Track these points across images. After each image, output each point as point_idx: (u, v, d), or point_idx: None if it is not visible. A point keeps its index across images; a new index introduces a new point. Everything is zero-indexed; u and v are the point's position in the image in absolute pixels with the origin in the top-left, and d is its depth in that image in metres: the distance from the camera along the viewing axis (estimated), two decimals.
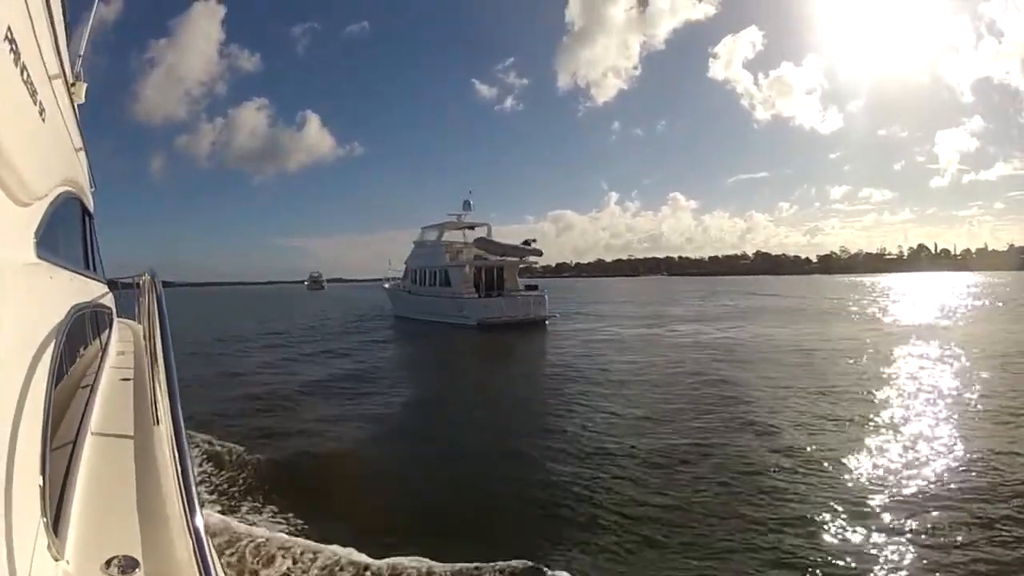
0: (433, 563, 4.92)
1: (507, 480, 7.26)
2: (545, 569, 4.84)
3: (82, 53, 3.80)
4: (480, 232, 33.34)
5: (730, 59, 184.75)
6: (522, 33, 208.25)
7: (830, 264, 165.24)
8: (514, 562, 4.87)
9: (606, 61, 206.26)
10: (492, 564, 4.86)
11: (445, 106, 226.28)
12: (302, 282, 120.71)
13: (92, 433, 2.13)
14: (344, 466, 7.95)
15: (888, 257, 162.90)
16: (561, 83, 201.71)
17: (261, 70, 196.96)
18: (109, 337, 4.18)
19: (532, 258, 30.45)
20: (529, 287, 30.32)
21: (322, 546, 5.18)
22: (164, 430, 2.09)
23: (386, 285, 38.53)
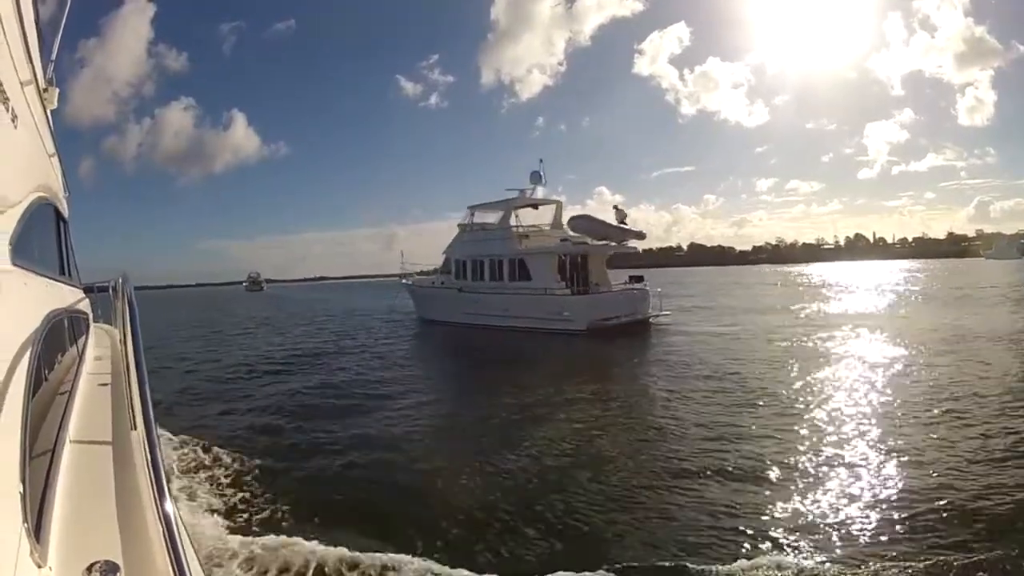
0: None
1: None
2: None
3: (54, 58, 3.76)
4: (547, 212, 26.04)
5: (656, 55, 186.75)
6: (447, 31, 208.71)
7: (772, 254, 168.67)
8: None
9: (531, 58, 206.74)
10: None
11: (371, 103, 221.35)
12: (239, 283, 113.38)
13: (71, 440, 2.10)
14: None
15: (826, 247, 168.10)
16: (485, 80, 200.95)
17: (188, 70, 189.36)
18: (86, 343, 4.12)
19: (633, 243, 23.41)
20: (634, 278, 23.39)
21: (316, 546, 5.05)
22: (140, 434, 1.97)
23: (407, 281, 30.09)
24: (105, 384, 3.15)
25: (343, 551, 5.02)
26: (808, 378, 11.86)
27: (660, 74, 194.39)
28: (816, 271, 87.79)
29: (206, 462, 7.69)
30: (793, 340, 17.33)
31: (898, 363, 13.07)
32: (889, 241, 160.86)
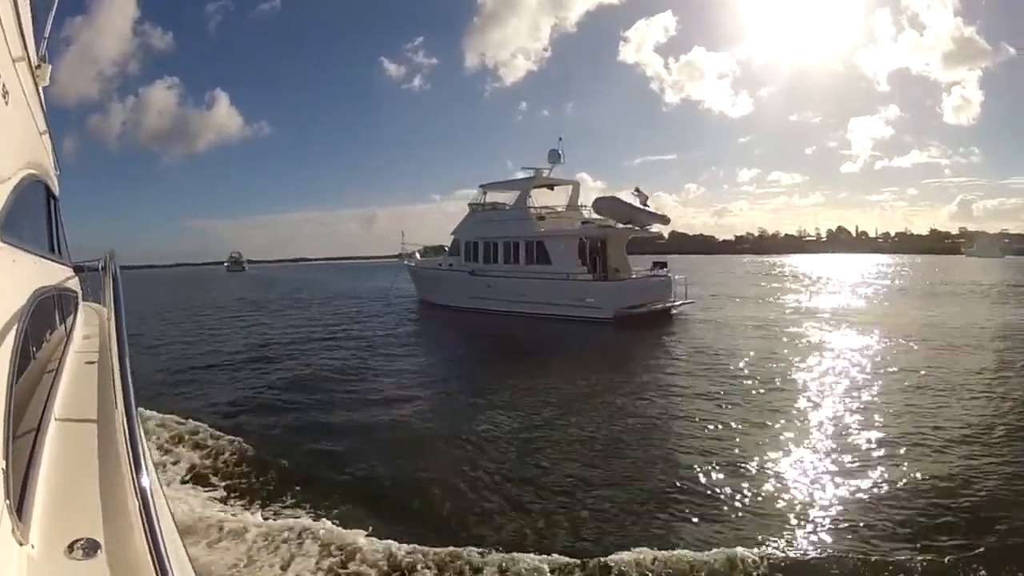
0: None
1: None
2: None
3: (47, 35, 3.75)
4: (561, 193, 24.60)
5: (641, 43, 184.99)
6: (434, 12, 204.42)
7: (755, 244, 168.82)
8: None
9: (516, 42, 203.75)
10: None
11: (354, 85, 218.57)
12: (220, 263, 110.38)
13: (56, 418, 2.11)
14: None
15: (808, 239, 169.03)
16: (469, 63, 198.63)
17: (173, 48, 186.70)
18: (74, 321, 4.10)
19: (656, 227, 22.09)
20: (658, 264, 22.10)
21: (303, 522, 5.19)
22: (120, 414, 1.97)
23: (409, 262, 28.40)
24: (92, 362, 3.10)
25: (330, 526, 5.17)
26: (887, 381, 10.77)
27: (645, 62, 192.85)
28: (801, 262, 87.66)
29: (190, 441, 7.71)
30: (827, 335, 16.28)
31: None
32: (872, 235, 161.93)
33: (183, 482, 6.46)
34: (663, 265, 21.98)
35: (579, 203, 24.23)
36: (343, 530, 5.10)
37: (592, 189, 43.85)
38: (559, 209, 23.99)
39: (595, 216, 22.15)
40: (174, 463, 6.96)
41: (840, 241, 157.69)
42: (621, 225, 21.13)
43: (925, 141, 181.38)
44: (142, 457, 1.46)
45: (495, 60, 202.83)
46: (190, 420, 8.38)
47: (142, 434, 1.56)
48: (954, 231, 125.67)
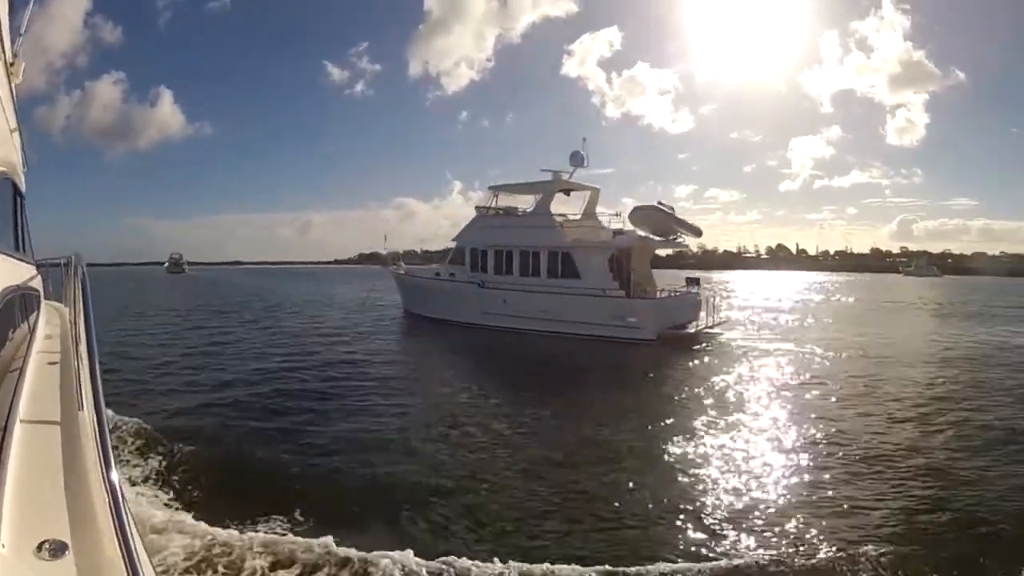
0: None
1: None
2: None
3: (23, 32, 3.71)
4: (578, 198, 22.03)
5: (585, 57, 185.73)
6: (380, 18, 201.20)
7: (698, 260, 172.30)
8: None
9: (460, 51, 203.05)
10: None
11: (297, 88, 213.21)
12: (159, 263, 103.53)
13: (20, 419, 2.04)
14: None
15: (748, 256, 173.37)
16: (413, 71, 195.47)
17: (122, 43, 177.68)
18: (37, 320, 4.02)
19: (689, 239, 19.93)
20: (691, 280, 19.92)
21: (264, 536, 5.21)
22: (88, 414, 2.00)
23: (395, 270, 25.17)
24: (55, 363, 2.98)
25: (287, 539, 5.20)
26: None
27: (588, 76, 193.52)
28: (744, 279, 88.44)
29: (154, 444, 7.74)
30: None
31: None
32: (812, 253, 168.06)
33: (132, 483, 6.47)
34: (696, 282, 19.88)
35: (595, 211, 21.88)
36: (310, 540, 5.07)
37: (526, 201, 41.58)
38: (573, 217, 21.53)
39: (624, 227, 19.81)
40: (133, 466, 7.00)
41: (780, 258, 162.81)
42: (658, 237, 18.88)
43: (867, 162, 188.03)
44: (112, 459, 1.50)
45: (438, 68, 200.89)
46: (149, 425, 8.37)
47: (110, 437, 1.59)
48: (895, 250, 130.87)
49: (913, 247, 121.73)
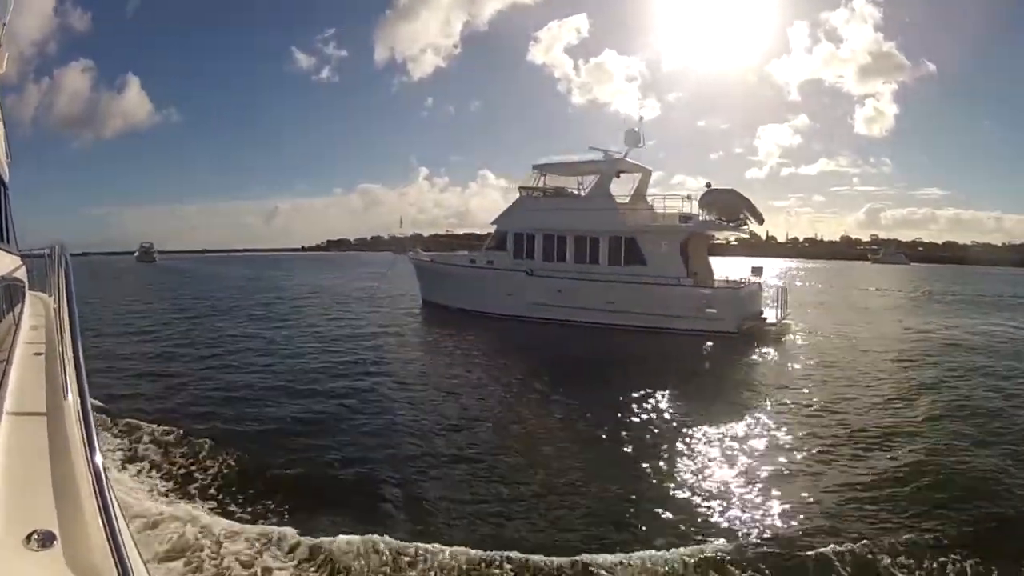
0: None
1: None
2: None
3: (6, 20, 3.67)
4: (629, 179, 20.18)
5: (552, 44, 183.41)
6: (347, 4, 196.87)
7: None
8: None
9: (426, 38, 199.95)
10: None
11: (264, 74, 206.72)
12: (127, 253, 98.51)
13: (7, 411, 2.08)
14: None
15: (717, 241, 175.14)
16: (379, 57, 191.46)
17: (91, 30, 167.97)
18: (22, 311, 4.00)
19: (753, 225, 18.42)
20: (756, 269, 18.43)
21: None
22: (72, 403, 1.99)
23: (416, 257, 22.99)
24: (40, 353, 2.98)
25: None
26: None
27: (554, 63, 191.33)
28: (718, 266, 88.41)
29: (140, 435, 7.56)
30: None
31: None
32: (781, 240, 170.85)
33: (119, 470, 6.38)
34: (760, 271, 18.41)
35: (645, 193, 20.11)
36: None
37: (493, 187, 40.40)
38: (621, 199, 19.69)
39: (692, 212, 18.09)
40: (119, 455, 6.90)
41: (750, 244, 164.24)
42: (731, 222, 17.32)
43: (835, 150, 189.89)
44: (96, 445, 1.47)
45: (404, 55, 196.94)
46: (145, 422, 8.00)
47: (96, 427, 1.56)
48: (864, 238, 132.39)
49: (883, 235, 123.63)
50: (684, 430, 8.18)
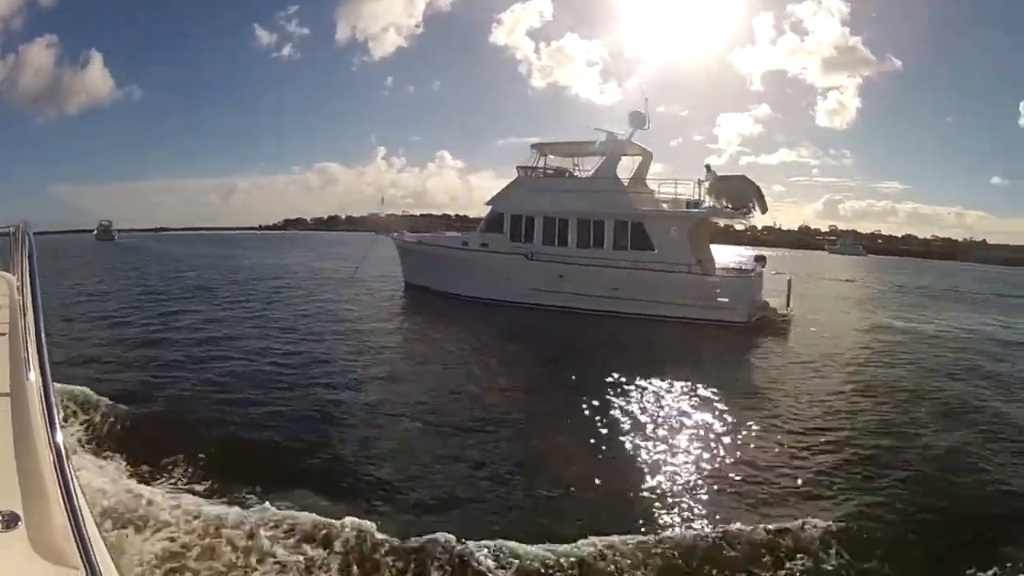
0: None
1: None
2: None
3: None
4: (628, 161, 19.25)
5: (515, 26, 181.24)
6: None
7: None
8: None
9: (389, 16, 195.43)
10: None
11: (225, 51, 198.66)
12: (87, 232, 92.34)
13: None
14: None
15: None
16: (340, 35, 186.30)
17: (57, 3, 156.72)
18: None
19: (758, 213, 17.86)
20: (760, 257, 17.95)
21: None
22: (35, 382, 1.98)
23: (400, 238, 21.72)
24: (3, 334, 2.85)
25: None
26: None
27: (516, 45, 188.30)
28: None
29: (105, 416, 7.34)
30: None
31: None
32: (739, 228, 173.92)
33: (83, 448, 6.34)
34: (763, 260, 17.94)
35: (645, 176, 19.31)
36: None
37: (452, 168, 39.57)
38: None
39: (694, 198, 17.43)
40: (83, 435, 6.77)
41: (712, 232, 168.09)
42: (737, 210, 16.71)
43: (796, 141, 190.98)
44: (57, 422, 1.46)
45: (366, 33, 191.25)
46: (103, 397, 7.76)
47: (59, 407, 1.52)
48: (823, 228, 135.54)
49: (842, 226, 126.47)
50: (722, 432, 7.55)
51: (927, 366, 11.70)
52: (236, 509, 5.01)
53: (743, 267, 17.83)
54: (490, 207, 19.12)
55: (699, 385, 9.33)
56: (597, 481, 6.06)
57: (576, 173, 18.97)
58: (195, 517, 4.80)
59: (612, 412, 8.20)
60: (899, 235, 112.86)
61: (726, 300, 14.92)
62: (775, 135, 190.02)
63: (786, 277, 18.02)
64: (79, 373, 9.04)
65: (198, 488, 5.56)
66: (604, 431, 7.54)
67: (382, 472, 6.22)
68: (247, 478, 5.69)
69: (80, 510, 1.20)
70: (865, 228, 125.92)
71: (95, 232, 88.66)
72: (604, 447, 7.07)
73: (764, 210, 17.82)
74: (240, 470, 5.93)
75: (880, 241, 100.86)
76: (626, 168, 18.94)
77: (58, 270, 29.75)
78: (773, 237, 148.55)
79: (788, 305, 16.72)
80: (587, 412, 8.18)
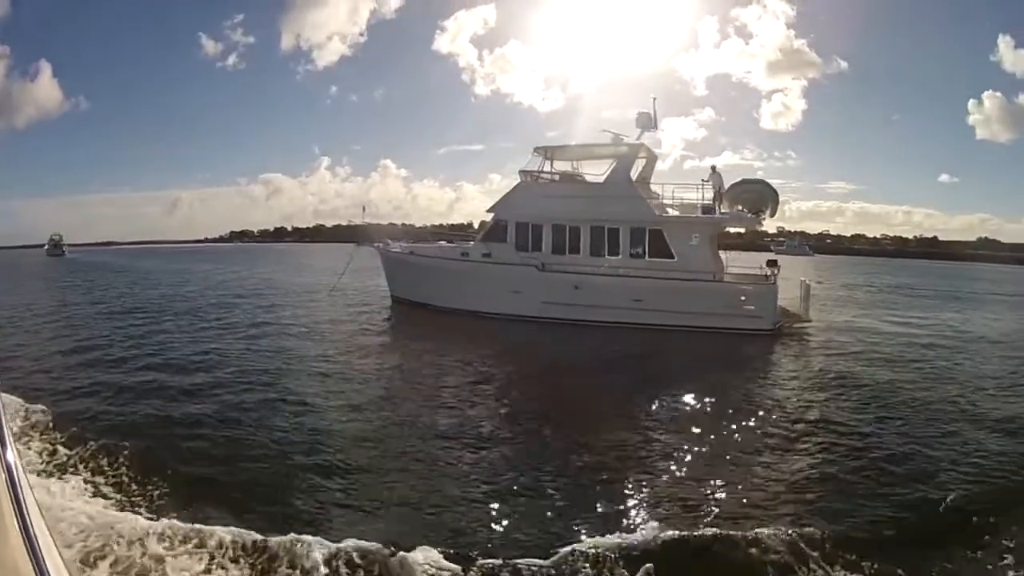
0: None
1: None
2: None
3: None
4: (633, 162, 18.40)
5: (458, 33, 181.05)
6: None
7: None
8: None
9: (333, 25, 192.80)
10: None
11: (171, 62, 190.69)
12: (36, 247, 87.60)
13: None
14: None
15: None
16: (285, 44, 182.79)
17: (10, 14, 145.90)
18: None
19: (768, 220, 17.38)
20: (772, 263, 17.38)
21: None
22: None
23: (387, 248, 20.15)
24: None
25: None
26: None
27: (459, 52, 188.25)
28: None
29: (61, 432, 7.13)
30: None
31: None
32: None
33: (38, 467, 6.12)
34: (775, 264, 17.43)
35: (649, 179, 18.54)
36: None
37: (395, 177, 38.72)
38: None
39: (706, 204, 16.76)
40: (34, 450, 6.58)
41: None
42: (752, 215, 16.11)
43: (740, 144, 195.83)
44: (11, 447, 1.40)
45: (310, 42, 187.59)
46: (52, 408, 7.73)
47: (5, 419, 1.49)
48: (771, 230, 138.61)
49: (789, 228, 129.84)
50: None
51: (976, 373, 11.28)
52: (219, 529, 4.85)
53: (761, 273, 17.18)
54: (492, 214, 17.95)
55: (751, 394, 9.43)
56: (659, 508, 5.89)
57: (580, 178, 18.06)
58: (159, 537, 4.63)
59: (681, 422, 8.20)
60: (848, 235, 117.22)
61: (752, 308, 14.27)
62: (719, 138, 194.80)
63: (803, 281, 17.47)
64: (33, 389, 8.77)
65: (165, 508, 5.35)
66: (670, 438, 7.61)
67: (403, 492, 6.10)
68: (220, 500, 5.57)
69: (32, 527, 1.17)
70: (813, 229, 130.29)
71: (46, 247, 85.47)
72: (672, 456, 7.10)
73: (774, 215, 17.38)
74: (213, 494, 5.75)
75: (829, 241, 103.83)
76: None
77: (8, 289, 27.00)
78: (721, 239, 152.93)
79: (806, 310, 16.16)
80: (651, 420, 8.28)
